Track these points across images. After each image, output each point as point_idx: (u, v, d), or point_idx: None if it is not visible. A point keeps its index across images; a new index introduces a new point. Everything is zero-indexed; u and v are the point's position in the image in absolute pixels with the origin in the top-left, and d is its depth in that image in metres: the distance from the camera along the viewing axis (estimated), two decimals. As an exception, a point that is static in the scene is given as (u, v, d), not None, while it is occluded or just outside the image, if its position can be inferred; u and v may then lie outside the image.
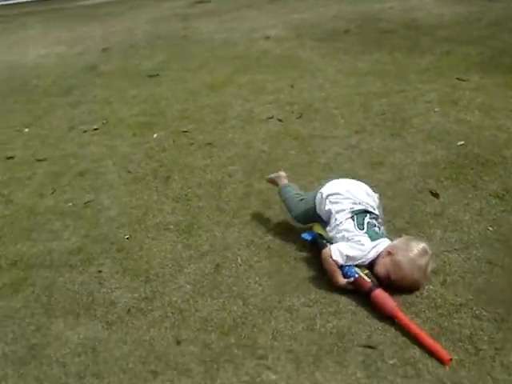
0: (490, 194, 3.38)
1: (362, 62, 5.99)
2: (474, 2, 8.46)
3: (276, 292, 2.76)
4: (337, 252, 2.73)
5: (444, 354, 2.31)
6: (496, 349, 2.33)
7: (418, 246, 2.67)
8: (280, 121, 4.64)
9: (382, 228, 2.89)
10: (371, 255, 2.72)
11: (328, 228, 2.94)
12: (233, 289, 2.82)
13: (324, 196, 3.00)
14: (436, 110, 4.56)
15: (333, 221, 2.91)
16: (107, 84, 6.02)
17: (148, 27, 8.44)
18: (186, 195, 3.69)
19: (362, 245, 2.74)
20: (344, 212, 2.89)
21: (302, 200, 3.15)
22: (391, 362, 2.32)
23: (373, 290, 2.59)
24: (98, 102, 5.54)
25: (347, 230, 2.82)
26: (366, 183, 3.11)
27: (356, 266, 2.72)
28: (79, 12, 11.20)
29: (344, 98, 5.01)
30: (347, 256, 2.72)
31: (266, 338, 2.50)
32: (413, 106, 4.70)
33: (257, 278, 2.87)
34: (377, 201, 3.04)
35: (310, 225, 3.09)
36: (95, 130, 4.84)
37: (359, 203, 2.93)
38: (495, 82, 5.10)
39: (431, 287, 2.69)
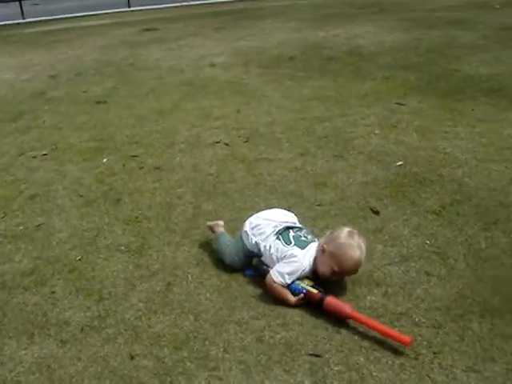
0: (427, 211, 3.57)
1: (306, 87, 6.20)
2: (413, 30, 8.84)
3: (226, 307, 2.87)
4: (276, 274, 2.87)
5: (404, 337, 2.49)
6: (434, 353, 2.49)
7: (342, 232, 2.87)
8: (227, 145, 4.78)
9: (309, 236, 3.06)
10: (307, 261, 2.88)
11: (262, 258, 3.07)
12: (184, 305, 2.91)
13: (248, 232, 3.14)
14: (376, 132, 4.78)
15: (263, 249, 3.05)
16: (56, 110, 6.06)
17: (96, 54, 8.51)
18: (136, 217, 3.77)
19: (295, 256, 2.88)
20: (269, 237, 3.05)
21: (230, 245, 3.23)
22: (337, 368, 2.45)
23: (324, 299, 2.73)
24: (46, 127, 5.57)
25: (277, 251, 2.97)
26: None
27: (299, 279, 2.86)
28: (27, 39, 11.19)
29: (289, 122, 5.18)
30: (287, 273, 2.85)
31: (218, 350, 2.60)
32: (354, 129, 4.90)
33: (207, 295, 2.97)
34: (295, 218, 3.23)
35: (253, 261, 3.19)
36: (44, 155, 4.88)
37: (280, 224, 3.09)
38: (432, 105, 5.37)
39: (373, 298, 2.84)
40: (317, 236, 3.09)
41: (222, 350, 2.60)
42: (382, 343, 2.56)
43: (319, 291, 2.78)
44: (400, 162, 4.21)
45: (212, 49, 8.42)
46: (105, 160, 4.66)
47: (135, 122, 5.46)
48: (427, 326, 2.65)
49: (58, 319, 2.90)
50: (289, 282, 2.85)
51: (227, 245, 3.23)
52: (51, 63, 8.38)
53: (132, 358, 2.60)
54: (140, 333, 2.75)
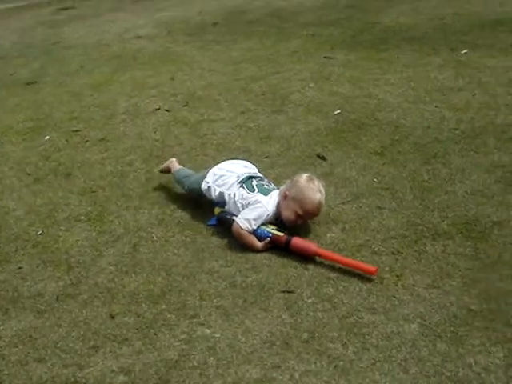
0: (370, 152, 3.77)
1: (234, 50, 6.29)
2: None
3: (195, 259, 2.98)
4: (243, 221, 3.00)
5: (369, 267, 2.68)
6: (397, 276, 2.69)
7: (302, 177, 3.04)
8: (167, 111, 4.84)
9: (271, 185, 3.22)
10: (271, 207, 3.03)
11: (227, 207, 3.20)
12: (154, 263, 3.01)
13: (211, 184, 3.27)
14: (310, 85, 4.94)
15: (227, 198, 3.18)
16: (-16, 95, 5.95)
17: (15, 37, 8.31)
18: (90, 188, 3.80)
19: (259, 202, 3.03)
20: (233, 186, 3.18)
21: (192, 176, 3.44)
22: (309, 300, 2.61)
23: (290, 240, 2.89)
24: (-22, 112, 5.48)
25: (242, 198, 3.10)
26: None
27: (263, 225, 3.01)
28: None
29: (224, 84, 5.28)
30: (253, 219, 2.99)
31: (194, 299, 2.72)
32: (289, 84, 5.05)
33: (175, 251, 3.08)
34: (256, 168, 3.39)
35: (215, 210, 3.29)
36: (-18, 139, 4.81)
37: (242, 174, 3.23)
38: (359, 56, 5.57)
39: (333, 234, 3.03)
40: (277, 185, 3.23)
41: (198, 298, 2.72)
42: (348, 274, 2.74)
43: (284, 233, 2.93)
44: (338, 111, 4.38)
45: (134, 21, 8.37)
46: (47, 137, 4.64)
47: (70, 99, 5.43)
48: (386, 254, 2.84)
49: (31, 292, 2.94)
50: (255, 227, 2.98)
51: (190, 174, 3.45)
52: (-31, 50, 8.15)
53: (112, 317, 2.68)
54: (115, 293, 2.83)
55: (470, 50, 5.38)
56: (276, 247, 2.95)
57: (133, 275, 2.94)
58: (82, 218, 3.49)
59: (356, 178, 3.51)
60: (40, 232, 3.42)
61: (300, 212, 2.97)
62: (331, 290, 2.65)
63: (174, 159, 3.66)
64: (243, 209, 3.07)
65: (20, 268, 3.14)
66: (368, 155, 3.73)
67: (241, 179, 3.18)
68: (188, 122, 4.56)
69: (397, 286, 2.63)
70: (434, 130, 3.97)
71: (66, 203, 3.67)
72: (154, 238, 3.20)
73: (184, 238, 3.17)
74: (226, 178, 3.24)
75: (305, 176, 3.05)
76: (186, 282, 2.83)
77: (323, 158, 3.75)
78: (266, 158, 3.78)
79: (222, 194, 3.20)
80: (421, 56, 5.39)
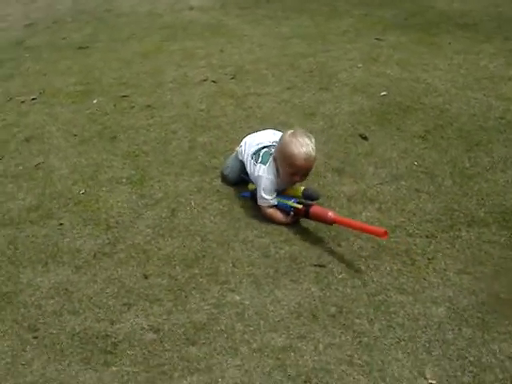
0: (413, 135, 3.76)
1: (285, 26, 6.27)
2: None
3: (230, 228, 3.04)
4: (260, 201, 3.08)
5: (379, 230, 2.71)
6: (428, 259, 2.71)
7: (285, 134, 3.04)
8: (214, 82, 4.87)
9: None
10: (271, 173, 3.07)
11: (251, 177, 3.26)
12: (190, 228, 3.07)
13: (239, 152, 3.35)
14: (359, 66, 4.91)
15: (248, 168, 3.26)
16: (38, 57, 6.04)
17: (69, 2, 8.39)
18: (133, 152, 3.88)
19: (260, 176, 3.08)
20: (248, 157, 3.26)
21: (230, 159, 3.48)
22: (340, 276, 2.65)
23: (309, 209, 2.94)
24: (31, 74, 5.57)
25: (251, 170, 3.20)
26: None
27: (286, 198, 3.07)
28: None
29: (272, 59, 5.28)
30: (267, 193, 3.05)
31: (227, 266, 2.78)
32: (337, 63, 5.02)
33: (211, 218, 3.14)
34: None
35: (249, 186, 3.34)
36: (33, 99, 4.91)
37: (261, 143, 3.26)
38: (410, 39, 5.50)
39: (368, 214, 3.05)
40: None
41: (230, 265, 2.78)
42: (380, 253, 2.76)
43: (303, 205, 2.98)
44: (384, 93, 4.36)
45: (187, -8, 8.40)
46: (95, 101, 4.72)
47: (120, 65, 5.50)
48: (420, 237, 2.85)
49: (70, 248, 3.04)
50: (271, 199, 3.05)
51: (229, 159, 3.47)
52: (24, 12, 8.24)
53: (146, 277, 2.77)
54: (151, 255, 2.91)
55: (524, 40, 5.27)
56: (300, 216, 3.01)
57: (169, 239, 3.01)
58: (124, 180, 3.57)
59: (396, 159, 3.50)
60: (82, 191, 3.51)
61: (291, 170, 2.98)
62: (362, 267, 2.69)
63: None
64: (254, 180, 3.16)
65: (61, 224, 3.24)
66: (410, 138, 3.72)
67: (251, 152, 3.24)
68: (234, 94, 4.59)
69: (428, 268, 2.65)
70: (480, 117, 3.93)
71: (109, 165, 3.75)
72: (192, 204, 3.26)
73: (221, 206, 3.22)
74: (247, 148, 3.31)
75: (288, 133, 3.03)
76: (220, 249, 2.89)
77: (365, 138, 3.75)
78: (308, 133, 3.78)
79: (244, 163, 3.29)
80: (472, 43, 5.30)
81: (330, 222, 2.88)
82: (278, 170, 3.05)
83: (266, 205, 3.05)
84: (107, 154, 3.88)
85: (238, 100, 4.48)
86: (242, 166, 3.31)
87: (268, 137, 3.33)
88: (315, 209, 2.94)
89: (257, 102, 4.41)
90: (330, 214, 2.88)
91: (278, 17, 6.66)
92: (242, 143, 3.38)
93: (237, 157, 3.38)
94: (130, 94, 4.79)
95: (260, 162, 3.12)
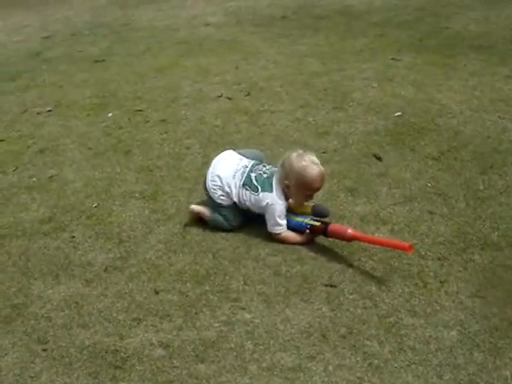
0: (426, 157, 3.75)
1: (300, 45, 6.30)
2: (401, -11, 8.89)
3: (242, 245, 3.04)
4: (273, 228, 3.04)
5: (404, 244, 2.73)
6: (441, 282, 2.69)
7: (292, 159, 2.98)
8: (229, 99, 4.90)
9: (267, 167, 3.15)
10: (281, 199, 3.03)
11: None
12: (202, 244, 3.08)
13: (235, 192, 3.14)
14: (373, 85, 4.92)
15: (239, 201, 3.14)
16: (54, 69, 6.11)
17: (88, 16, 8.51)
18: (147, 167, 3.90)
19: (271, 204, 3.01)
20: (236, 190, 3.12)
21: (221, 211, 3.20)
22: (351, 297, 2.63)
23: (328, 226, 2.94)
24: (47, 85, 5.64)
25: (251, 201, 3.08)
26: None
27: (298, 216, 3.07)
28: (12, 1, 11.08)
29: (287, 77, 5.30)
30: (279, 219, 3.02)
31: (238, 283, 2.78)
32: (351, 82, 5.04)
33: (223, 235, 3.14)
34: (243, 158, 3.24)
35: None
36: (49, 111, 4.96)
37: (233, 174, 3.14)
38: (425, 60, 5.50)
39: (381, 234, 3.03)
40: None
41: (242, 283, 2.78)
42: (392, 275, 2.75)
43: (321, 222, 2.98)
44: (398, 113, 4.36)
45: (204, 9, 8.43)
46: (110, 115, 4.76)
47: (136, 79, 5.55)
48: (433, 259, 2.84)
49: (81, 261, 3.05)
50: (285, 223, 3.03)
51: (215, 215, 3.20)
52: (43, 24, 8.36)
53: (157, 292, 2.77)
54: (162, 270, 2.91)
55: (540, 63, 5.26)
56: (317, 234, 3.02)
57: (180, 254, 3.01)
58: (137, 194, 3.58)
59: (410, 180, 3.49)
60: (95, 205, 3.53)
61: (309, 193, 3.00)
62: (374, 288, 2.67)
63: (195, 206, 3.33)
64: (259, 210, 3.09)
65: (73, 237, 3.26)
66: (424, 159, 3.71)
67: (243, 181, 3.11)
68: (248, 111, 4.61)
69: (440, 291, 2.63)
70: (494, 140, 3.91)
71: (123, 179, 3.77)
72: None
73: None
74: (228, 182, 3.14)
75: (293, 156, 2.99)
76: (231, 266, 2.89)
77: (379, 159, 3.75)
78: (322, 153, 3.78)
79: (239, 202, 3.15)
80: (488, 65, 5.29)
81: (349, 239, 2.87)
82: (285, 194, 3.04)
83: (280, 231, 3.03)
84: (121, 168, 3.90)
85: (252, 117, 4.49)
86: (237, 207, 3.17)
87: (233, 161, 3.22)
88: (334, 226, 2.94)
89: (271, 119, 4.42)
90: (350, 230, 2.87)
91: (293, 35, 6.69)
92: (213, 183, 3.17)
93: (222, 205, 3.16)
94: (145, 108, 4.83)
95: (262, 191, 3.04)
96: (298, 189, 2.98)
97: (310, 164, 2.95)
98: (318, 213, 3.05)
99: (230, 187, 3.12)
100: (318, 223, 2.98)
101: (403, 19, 7.14)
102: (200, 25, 7.45)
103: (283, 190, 3.03)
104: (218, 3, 8.68)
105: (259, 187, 3.06)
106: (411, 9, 7.66)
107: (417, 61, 5.50)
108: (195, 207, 3.25)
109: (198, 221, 3.25)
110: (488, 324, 2.43)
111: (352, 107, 4.52)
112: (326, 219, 3.04)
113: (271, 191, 3.03)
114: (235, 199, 3.13)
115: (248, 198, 3.09)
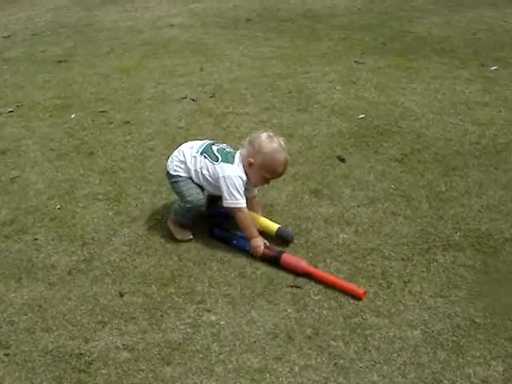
0: (389, 158, 3.79)
1: (265, 47, 6.32)
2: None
3: (208, 247, 3.03)
4: (232, 200, 2.90)
5: (358, 290, 2.65)
6: (404, 282, 2.72)
7: (262, 140, 2.90)
8: (193, 100, 4.88)
9: (229, 147, 3.09)
10: (242, 173, 2.93)
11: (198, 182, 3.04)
12: (166, 246, 3.06)
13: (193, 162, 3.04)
14: (337, 88, 4.96)
15: (195, 175, 3.01)
16: (15, 70, 6.01)
17: (49, 16, 8.39)
18: (111, 168, 3.86)
19: (229, 176, 2.89)
20: (196, 158, 3.01)
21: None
22: (316, 298, 2.65)
23: (280, 256, 2.85)
24: (8, 86, 5.54)
25: (208, 170, 2.95)
26: None
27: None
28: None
29: (252, 79, 5.31)
30: (237, 192, 2.88)
31: (203, 285, 2.77)
32: (316, 85, 5.07)
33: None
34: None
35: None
36: (10, 112, 4.88)
37: (201, 145, 3.08)
38: (388, 64, 5.58)
39: (345, 236, 3.05)
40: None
41: (207, 285, 2.77)
42: (356, 275, 2.77)
43: (274, 249, 2.91)
44: (362, 115, 4.40)
45: (168, 10, 8.41)
46: (73, 116, 4.70)
47: (99, 80, 5.49)
48: (396, 260, 2.87)
49: (44, 263, 3.00)
50: (244, 199, 2.91)
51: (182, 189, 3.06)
52: (3, 24, 8.23)
53: (121, 295, 2.74)
54: (126, 273, 2.89)
55: (499, 67, 5.36)
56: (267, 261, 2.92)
57: (145, 257, 2.99)
58: (101, 196, 3.55)
59: (373, 182, 3.53)
60: (58, 206, 3.48)
61: (269, 176, 2.95)
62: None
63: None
64: (216, 183, 2.95)
65: (36, 239, 3.20)
66: (388, 161, 3.75)
67: (202, 149, 3.03)
68: (213, 113, 4.61)
69: (403, 291, 2.66)
70: (456, 142, 3.98)
71: (86, 181, 3.73)
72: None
73: (198, 226, 3.20)
74: (184, 156, 3.06)
75: (264, 136, 2.92)
76: (196, 268, 2.88)
77: (343, 160, 3.78)
78: (286, 155, 3.79)
79: (195, 172, 3.01)
80: (449, 69, 5.39)
81: (302, 273, 2.77)
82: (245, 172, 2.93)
83: (238, 206, 2.91)
84: (84, 170, 3.86)
85: (216, 119, 4.49)
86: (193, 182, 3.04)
87: (197, 141, 3.15)
88: (287, 256, 2.85)
89: (235, 121, 4.42)
90: (305, 264, 2.80)
91: (257, 37, 6.71)
92: (171, 158, 3.12)
93: (178, 179, 3.06)
94: (109, 109, 4.78)
95: (223, 161, 2.93)
96: (261, 169, 2.90)
97: (279, 148, 2.89)
98: (282, 236, 3.01)
99: (184, 155, 3.04)
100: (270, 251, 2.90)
101: (367, 23, 7.23)
102: (164, 26, 7.42)
103: (244, 166, 2.95)
104: (183, 5, 8.68)
105: (220, 157, 2.95)
106: (375, 13, 7.76)
107: (380, 64, 5.57)
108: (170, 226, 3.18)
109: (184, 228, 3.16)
110: (451, 323, 2.47)
111: (316, 109, 4.56)
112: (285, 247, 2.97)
113: (232, 163, 2.93)
114: (191, 167, 3.00)
115: (205, 165, 2.95)
